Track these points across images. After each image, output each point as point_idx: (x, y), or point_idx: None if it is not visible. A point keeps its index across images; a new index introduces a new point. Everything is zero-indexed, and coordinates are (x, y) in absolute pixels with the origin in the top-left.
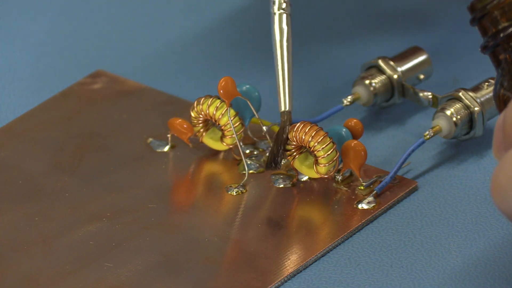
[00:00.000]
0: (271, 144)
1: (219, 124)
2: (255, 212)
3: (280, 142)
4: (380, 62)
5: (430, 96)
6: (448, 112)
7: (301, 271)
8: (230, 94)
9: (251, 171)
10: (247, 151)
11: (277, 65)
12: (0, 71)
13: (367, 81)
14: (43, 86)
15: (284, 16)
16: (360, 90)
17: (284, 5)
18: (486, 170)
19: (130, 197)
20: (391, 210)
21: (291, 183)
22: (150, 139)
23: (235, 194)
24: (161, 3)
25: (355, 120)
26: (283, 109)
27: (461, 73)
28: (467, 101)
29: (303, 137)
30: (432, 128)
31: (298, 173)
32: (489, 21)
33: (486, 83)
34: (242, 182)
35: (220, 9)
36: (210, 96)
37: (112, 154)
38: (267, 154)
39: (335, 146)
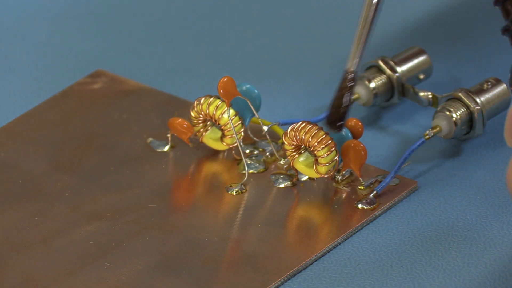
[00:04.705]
0: (333, 100)
1: (219, 124)
2: (255, 212)
3: (342, 102)
4: (380, 62)
5: (430, 96)
6: (448, 112)
7: (301, 271)
8: (230, 93)
9: (251, 171)
10: (247, 151)
11: (359, 21)
12: (0, 71)
13: (367, 81)
14: (43, 86)
15: None
16: (360, 90)
17: None
18: (486, 170)
19: (130, 197)
20: (391, 210)
21: (291, 183)
22: (150, 139)
23: (235, 194)
24: (161, 3)
25: (355, 120)
26: (347, 67)
27: (461, 73)
28: (467, 101)
29: (303, 136)
30: (432, 128)
31: (298, 173)
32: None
33: (486, 83)
34: (242, 182)
35: (220, 9)
36: (210, 96)
37: (112, 154)
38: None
39: (335, 146)
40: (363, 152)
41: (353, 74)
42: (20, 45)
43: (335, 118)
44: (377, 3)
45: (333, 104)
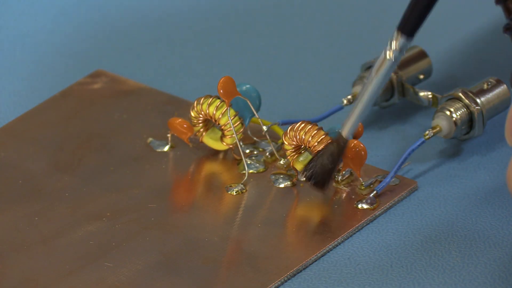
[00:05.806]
0: (316, 158)
1: (219, 124)
2: (255, 212)
3: (334, 166)
4: None
5: (430, 96)
6: (448, 112)
7: (301, 271)
8: (230, 93)
9: (251, 171)
10: (247, 151)
11: (359, 94)
12: (0, 71)
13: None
14: (43, 86)
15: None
16: (360, 90)
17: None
18: (486, 169)
19: (130, 197)
20: (391, 210)
21: (291, 183)
22: (150, 139)
23: (235, 194)
24: (161, 3)
25: None
26: (344, 134)
27: (461, 73)
28: (467, 101)
29: (303, 136)
30: (432, 128)
31: (298, 173)
32: None
33: (486, 83)
34: (242, 182)
35: (220, 9)
36: (210, 96)
37: (112, 154)
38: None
39: None
40: (363, 152)
41: (347, 142)
42: (20, 45)
43: (322, 179)
44: (384, 75)
45: (320, 164)
